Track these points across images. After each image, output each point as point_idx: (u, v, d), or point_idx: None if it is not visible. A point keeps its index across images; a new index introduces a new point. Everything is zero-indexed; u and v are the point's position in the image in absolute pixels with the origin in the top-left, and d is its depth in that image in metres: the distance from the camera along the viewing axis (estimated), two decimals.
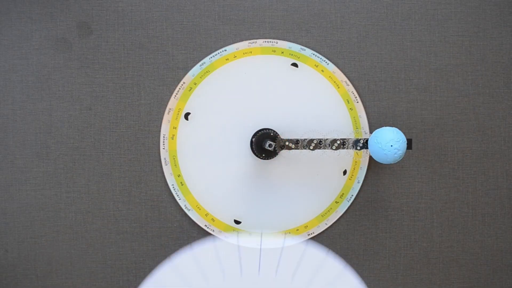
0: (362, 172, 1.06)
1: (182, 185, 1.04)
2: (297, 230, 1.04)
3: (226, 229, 1.04)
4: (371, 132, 1.05)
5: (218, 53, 1.04)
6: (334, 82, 1.04)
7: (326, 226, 1.06)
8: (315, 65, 1.04)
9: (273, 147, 0.95)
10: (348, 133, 1.04)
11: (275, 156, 0.96)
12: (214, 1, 1.04)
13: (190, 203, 1.04)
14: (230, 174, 1.00)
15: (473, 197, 1.08)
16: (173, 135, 1.04)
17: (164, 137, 1.04)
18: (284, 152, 1.02)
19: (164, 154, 1.04)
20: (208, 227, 1.05)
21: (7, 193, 1.04)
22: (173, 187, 1.04)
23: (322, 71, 1.03)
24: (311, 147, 0.97)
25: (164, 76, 1.05)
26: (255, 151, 0.97)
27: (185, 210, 1.04)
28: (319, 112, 1.04)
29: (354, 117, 1.05)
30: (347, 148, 0.98)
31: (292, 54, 1.04)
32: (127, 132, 1.05)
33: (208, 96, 1.02)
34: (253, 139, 0.95)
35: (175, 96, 1.04)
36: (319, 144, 0.96)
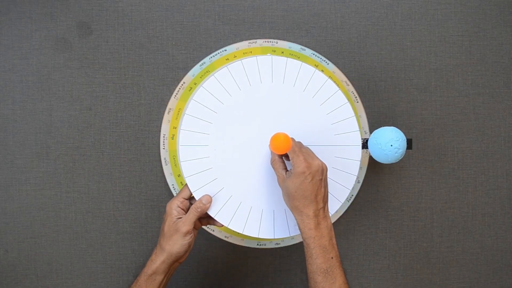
0: (362, 172, 1.06)
1: (182, 185, 1.04)
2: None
3: (226, 229, 1.04)
4: (371, 131, 1.05)
5: (218, 53, 1.04)
6: (334, 82, 1.03)
7: None
8: (315, 65, 1.04)
9: None
10: None
11: None
12: (214, 1, 1.04)
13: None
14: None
15: (473, 197, 1.08)
16: (173, 135, 1.04)
17: (164, 137, 1.04)
18: None
19: (164, 154, 1.04)
20: (208, 227, 1.05)
21: (7, 193, 1.04)
22: (173, 187, 1.04)
23: (322, 71, 1.03)
24: None
25: (164, 76, 1.05)
26: None
27: None
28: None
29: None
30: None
31: (292, 54, 1.04)
32: (127, 132, 1.05)
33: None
34: None
35: (175, 96, 1.04)
36: None
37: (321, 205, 0.87)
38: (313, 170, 0.86)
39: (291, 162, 0.88)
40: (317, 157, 0.88)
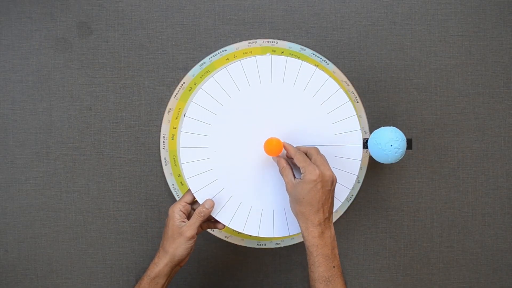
0: (362, 172, 1.06)
1: (182, 185, 1.04)
2: None
3: (226, 229, 1.04)
4: (371, 131, 1.05)
5: (218, 53, 1.04)
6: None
7: None
8: (315, 64, 1.04)
9: None
10: None
11: None
12: (214, 1, 1.04)
13: None
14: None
15: (473, 197, 1.08)
16: (173, 135, 1.04)
17: (164, 137, 1.04)
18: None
19: (164, 154, 1.04)
20: None
21: (7, 193, 1.04)
22: (173, 187, 1.05)
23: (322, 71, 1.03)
24: None
25: (164, 76, 1.05)
26: None
27: None
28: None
29: None
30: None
31: (292, 54, 1.04)
32: (127, 132, 1.05)
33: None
34: None
35: (175, 96, 1.04)
36: None
37: (326, 214, 0.88)
38: (324, 180, 0.87)
39: (302, 170, 0.88)
40: (330, 168, 0.89)
